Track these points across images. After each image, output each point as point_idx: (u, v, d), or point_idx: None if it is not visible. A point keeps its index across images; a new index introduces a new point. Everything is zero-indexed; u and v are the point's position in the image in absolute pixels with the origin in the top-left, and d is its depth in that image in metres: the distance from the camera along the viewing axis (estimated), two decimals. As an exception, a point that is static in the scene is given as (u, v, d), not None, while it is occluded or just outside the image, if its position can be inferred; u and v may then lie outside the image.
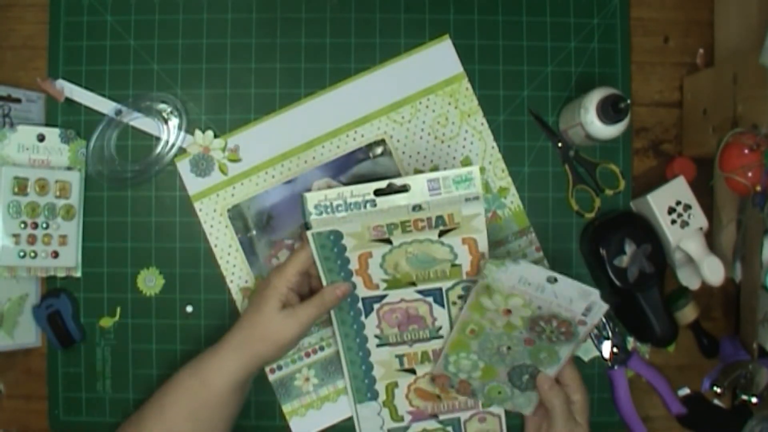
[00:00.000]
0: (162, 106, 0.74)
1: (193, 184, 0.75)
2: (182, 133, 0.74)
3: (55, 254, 0.72)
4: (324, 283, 0.66)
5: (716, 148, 0.67)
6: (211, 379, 0.64)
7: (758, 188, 0.65)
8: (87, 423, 0.75)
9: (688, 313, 0.74)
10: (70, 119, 0.75)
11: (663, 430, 0.76)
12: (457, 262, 0.65)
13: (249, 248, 0.74)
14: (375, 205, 0.61)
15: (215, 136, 0.75)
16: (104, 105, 0.74)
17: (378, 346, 0.70)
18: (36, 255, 0.71)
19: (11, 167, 0.70)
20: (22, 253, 0.71)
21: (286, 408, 0.75)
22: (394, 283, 0.66)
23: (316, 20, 0.76)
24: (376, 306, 0.67)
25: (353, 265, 0.65)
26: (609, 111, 0.67)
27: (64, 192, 0.72)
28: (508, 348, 0.66)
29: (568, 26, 0.76)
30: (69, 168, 0.73)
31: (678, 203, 0.72)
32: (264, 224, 0.74)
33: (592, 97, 0.68)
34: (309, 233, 0.63)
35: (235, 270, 0.75)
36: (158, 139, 0.74)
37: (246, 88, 0.75)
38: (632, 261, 0.71)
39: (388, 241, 0.63)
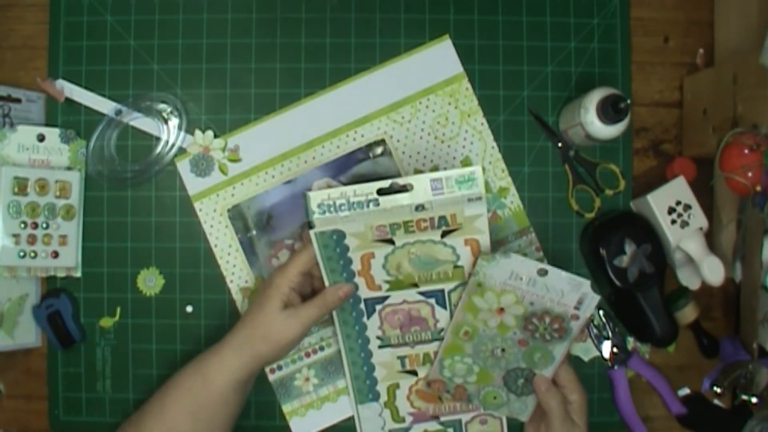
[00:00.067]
0: (162, 106, 0.74)
1: (193, 184, 0.75)
2: (182, 133, 0.74)
3: (55, 254, 0.72)
4: (326, 283, 0.66)
5: (716, 148, 0.67)
6: (213, 378, 0.64)
7: (758, 188, 0.65)
8: (87, 423, 0.75)
9: (688, 313, 0.74)
10: (70, 119, 0.75)
11: (663, 430, 0.76)
12: (459, 263, 0.65)
13: (249, 248, 0.74)
14: (378, 205, 0.61)
15: (215, 136, 0.75)
16: (104, 105, 0.74)
17: (380, 347, 0.70)
18: (36, 255, 0.71)
19: (11, 167, 0.70)
20: (22, 253, 0.71)
21: (286, 408, 0.75)
22: (396, 284, 0.66)
23: (316, 20, 0.76)
24: (378, 307, 0.67)
25: (356, 266, 0.65)
26: (609, 111, 0.67)
27: (64, 192, 0.72)
28: (502, 350, 0.66)
29: (568, 26, 0.76)
30: (69, 168, 0.73)
31: (678, 203, 0.72)
32: (264, 224, 0.74)
33: (592, 97, 0.68)
34: (312, 233, 0.62)
35: (235, 270, 0.75)
36: (158, 139, 0.74)
37: (246, 88, 0.75)
38: (632, 261, 0.71)
39: (391, 242, 0.63)
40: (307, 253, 0.64)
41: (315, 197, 0.61)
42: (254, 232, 0.74)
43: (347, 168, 0.75)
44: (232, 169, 0.75)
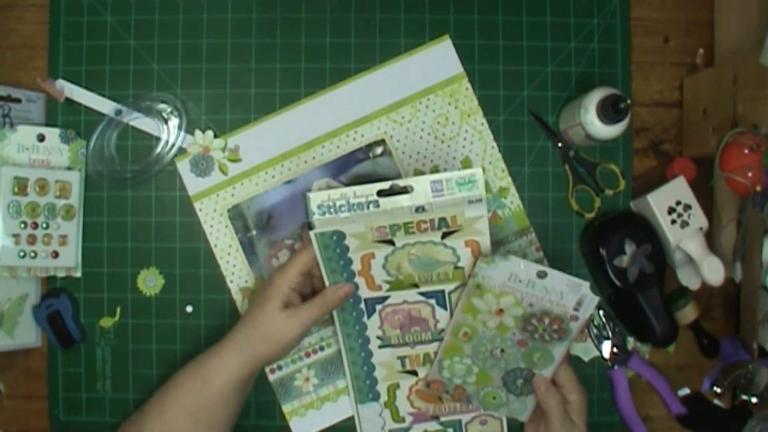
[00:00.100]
0: (162, 106, 0.74)
1: (193, 184, 0.75)
2: (182, 133, 0.74)
3: (55, 254, 0.72)
4: (326, 283, 0.66)
5: (716, 148, 0.67)
6: (213, 378, 0.64)
7: (758, 188, 0.65)
8: (87, 423, 0.75)
9: (688, 313, 0.74)
10: (70, 119, 0.75)
11: (663, 430, 0.76)
12: (459, 264, 0.65)
13: (249, 248, 0.74)
14: (378, 206, 0.61)
15: (215, 136, 0.75)
16: (104, 105, 0.74)
17: (380, 347, 0.70)
18: (36, 255, 0.71)
19: (11, 167, 0.70)
20: (22, 253, 0.71)
21: (286, 408, 0.75)
22: (396, 285, 0.66)
23: (316, 20, 0.76)
24: (378, 307, 0.67)
25: (356, 266, 0.65)
26: (609, 111, 0.67)
27: (64, 192, 0.72)
28: (502, 351, 0.66)
29: (568, 26, 0.76)
30: (69, 168, 0.73)
31: (678, 203, 0.72)
32: (264, 224, 0.74)
33: (592, 97, 0.68)
34: (312, 233, 0.62)
35: (235, 270, 0.75)
36: (158, 139, 0.74)
37: (246, 88, 0.75)
38: (632, 261, 0.71)
39: (391, 243, 0.63)
40: (306, 254, 0.64)
41: (315, 198, 0.61)
42: (254, 232, 0.74)
43: (347, 168, 0.75)
44: (232, 169, 0.75)
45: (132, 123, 0.74)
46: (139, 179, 0.75)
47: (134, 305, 0.75)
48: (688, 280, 0.75)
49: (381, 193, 0.62)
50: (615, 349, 0.74)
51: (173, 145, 0.74)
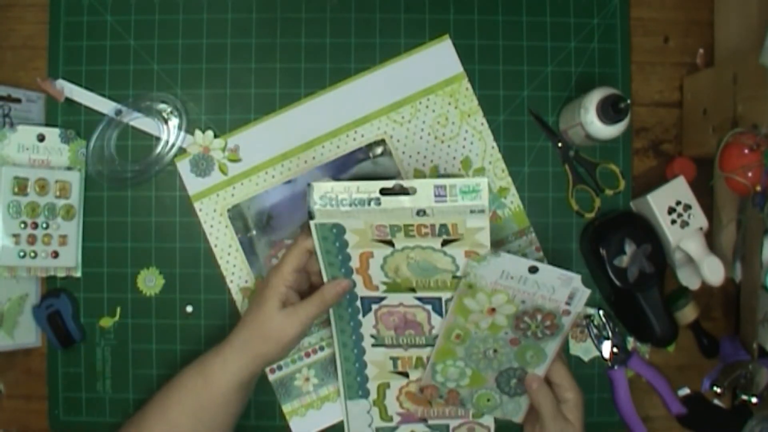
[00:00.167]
0: (162, 106, 0.74)
1: (193, 184, 0.75)
2: (182, 133, 0.74)
3: (55, 254, 0.72)
4: (324, 277, 0.65)
5: (716, 148, 0.67)
6: (215, 379, 0.64)
7: (758, 188, 0.65)
8: (87, 423, 0.75)
9: (688, 313, 0.74)
10: (70, 119, 0.75)
11: (663, 430, 0.76)
12: (458, 274, 0.64)
13: (249, 248, 0.74)
14: (380, 204, 0.61)
15: (215, 136, 0.75)
16: (104, 105, 0.74)
17: (373, 345, 0.70)
18: (36, 255, 0.71)
19: (11, 167, 0.70)
20: (22, 253, 0.71)
21: (286, 408, 0.75)
22: (393, 287, 0.66)
23: (316, 20, 0.76)
24: (374, 307, 0.67)
25: (354, 263, 0.65)
26: (609, 111, 0.67)
27: (64, 192, 0.72)
28: (494, 351, 0.66)
29: (568, 26, 0.76)
30: (69, 168, 0.73)
31: (678, 203, 0.72)
32: (264, 224, 0.74)
33: (592, 97, 0.68)
34: (312, 223, 0.62)
35: (235, 270, 0.75)
36: (158, 139, 0.75)
37: (246, 88, 0.75)
38: (632, 261, 0.71)
39: (391, 244, 0.63)
40: (298, 250, 0.64)
41: (318, 188, 0.61)
42: (254, 232, 0.74)
43: (347, 168, 0.75)
44: (232, 169, 0.75)
45: (132, 123, 0.74)
46: (139, 179, 0.75)
47: (134, 305, 0.75)
48: (688, 280, 0.75)
49: (384, 192, 0.61)
50: (615, 349, 0.74)
51: (173, 145, 0.74)
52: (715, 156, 0.67)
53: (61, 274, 0.74)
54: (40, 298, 0.74)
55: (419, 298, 0.66)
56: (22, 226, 0.70)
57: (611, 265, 0.71)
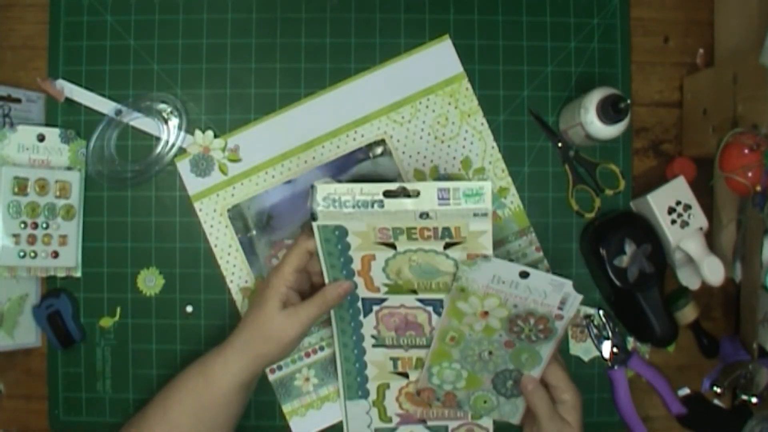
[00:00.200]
0: (162, 106, 0.74)
1: (193, 184, 0.75)
2: (182, 133, 0.74)
3: (55, 254, 0.72)
4: (326, 278, 0.65)
5: (716, 148, 0.67)
6: (216, 380, 0.64)
7: (758, 188, 0.65)
8: (87, 423, 0.75)
9: (688, 313, 0.74)
10: (70, 119, 0.75)
11: (663, 430, 0.76)
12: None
13: (249, 248, 0.74)
14: (383, 206, 0.61)
15: (215, 136, 0.75)
16: (104, 105, 0.74)
17: (374, 346, 0.70)
18: (36, 255, 0.71)
19: (11, 167, 0.70)
20: (22, 253, 0.71)
21: (286, 408, 0.75)
22: (395, 289, 0.66)
23: (316, 20, 0.76)
24: (375, 308, 0.67)
25: (356, 265, 0.65)
26: (609, 111, 0.67)
27: (64, 192, 0.72)
28: (490, 353, 0.66)
29: (568, 26, 0.76)
30: (69, 168, 0.73)
31: (678, 203, 0.72)
32: (264, 224, 0.74)
33: (592, 97, 0.68)
34: (315, 225, 0.62)
35: (235, 270, 0.75)
36: (158, 139, 0.75)
37: (246, 88, 0.75)
38: (632, 261, 0.71)
39: (393, 246, 0.63)
40: (299, 251, 0.64)
41: (322, 189, 0.61)
42: (254, 232, 0.74)
43: (347, 168, 0.75)
44: (232, 169, 0.75)
45: (132, 123, 0.74)
46: (139, 179, 0.75)
47: (134, 305, 0.75)
48: (688, 280, 0.75)
49: (387, 194, 0.61)
50: (615, 349, 0.74)
51: (173, 145, 0.74)
52: (715, 156, 0.67)
53: (61, 274, 0.74)
54: (40, 298, 0.74)
55: (420, 300, 0.66)
56: (22, 226, 0.70)
57: (611, 265, 0.71)
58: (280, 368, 0.74)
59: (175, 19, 0.75)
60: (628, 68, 0.77)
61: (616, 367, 0.74)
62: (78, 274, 0.74)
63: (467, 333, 0.65)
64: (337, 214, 0.61)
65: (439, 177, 0.75)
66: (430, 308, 0.66)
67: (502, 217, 0.76)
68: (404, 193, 0.61)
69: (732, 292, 0.77)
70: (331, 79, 0.75)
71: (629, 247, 0.71)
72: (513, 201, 0.76)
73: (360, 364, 0.71)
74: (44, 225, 0.71)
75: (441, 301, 0.66)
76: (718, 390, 0.68)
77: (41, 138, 0.72)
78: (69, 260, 0.73)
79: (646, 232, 0.72)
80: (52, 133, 0.73)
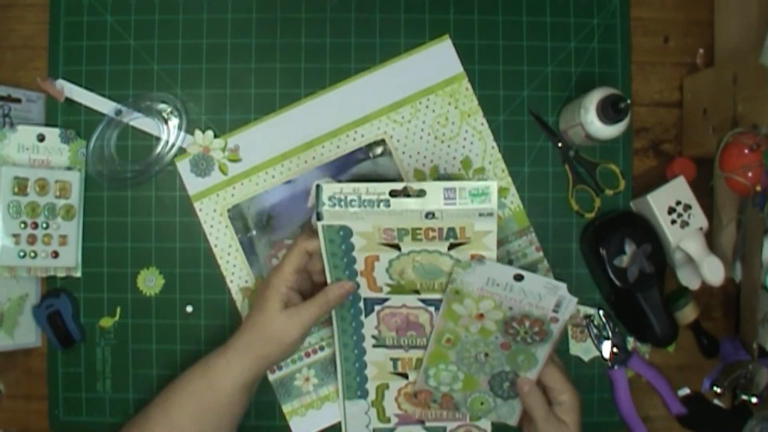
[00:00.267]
0: (162, 106, 0.74)
1: (193, 184, 0.75)
2: (182, 133, 0.74)
3: (55, 254, 0.72)
4: (328, 278, 0.65)
5: (716, 148, 0.67)
6: (218, 382, 0.64)
7: (758, 188, 0.65)
8: (87, 423, 0.75)
9: (688, 313, 0.74)
10: (70, 119, 0.75)
11: (663, 430, 0.76)
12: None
13: (249, 248, 0.74)
14: (388, 206, 0.61)
15: (215, 136, 0.75)
16: (104, 105, 0.74)
17: (374, 346, 0.70)
18: (36, 255, 0.71)
19: (11, 167, 0.70)
20: (22, 253, 0.71)
21: (286, 408, 0.75)
22: (397, 289, 0.66)
23: (316, 20, 0.76)
24: (377, 307, 0.67)
25: (359, 266, 0.65)
26: (609, 111, 0.67)
27: (64, 192, 0.72)
28: (486, 355, 0.66)
29: (568, 26, 0.76)
30: (69, 168, 0.73)
31: (678, 203, 0.72)
32: (264, 224, 0.74)
33: (592, 97, 0.68)
34: (319, 224, 0.62)
35: (235, 270, 0.75)
36: (158, 139, 0.75)
37: (246, 88, 0.75)
38: (632, 261, 0.71)
39: (397, 247, 0.63)
40: (298, 251, 0.64)
41: (327, 189, 0.61)
42: (254, 232, 0.74)
43: (347, 168, 0.75)
44: (232, 169, 0.75)
45: (132, 123, 0.74)
46: (139, 179, 0.75)
47: (134, 305, 0.75)
48: (688, 280, 0.75)
49: (393, 194, 0.61)
50: (615, 349, 0.74)
51: (173, 145, 0.74)
52: (715, 156, 0.67)
53: (61, 274, 0.74)
54: (40, 298, 0.74)
55: (423, 300, 0.66)
56: (22, 226, 0.70)
57: (611, 265, 0.71)
58: (280, 368, 0.74)
59: (175, 19, 0.75)
60: (628, 68, 0.77)
61: (616, 367, 0.74)
62: (78, 274, 0.74)
63: (463, 335, 0.65)
64: (343, 213, 0.61)
65: (439, 177, 0.75)
66: (432, 308, 0.66)
67: (502, 217, 0.76)
68: (410, 193, 0.60)
69: (732, 292, 0.77)
70: (331, 79, 0.75)
71: (629, 247, 0.71)
72: (513, 201, 0.76)
73: (360, 364, 0.71)
74: (44, 225, 0.71)
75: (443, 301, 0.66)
76: (718, 390, 0.68)
77: (41, 138, 0.72)
78: (69, 260, 0.73)
79: (646, 232, 0.72)
80: (52, 133, 0.73)
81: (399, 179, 0.74)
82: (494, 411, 0.69)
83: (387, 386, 0.71)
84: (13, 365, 0.75)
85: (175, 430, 0.64)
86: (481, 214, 0.60)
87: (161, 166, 0.74)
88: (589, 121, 0.68)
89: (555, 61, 0.76)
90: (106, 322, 0.75)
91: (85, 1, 0.75)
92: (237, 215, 0.74)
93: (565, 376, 0.65)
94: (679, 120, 0.77)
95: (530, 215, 0.76)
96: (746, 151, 0.65)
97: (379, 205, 0.60)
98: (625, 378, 0.74)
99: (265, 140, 0.75)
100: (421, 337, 0.68)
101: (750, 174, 0.65)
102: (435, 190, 0.60)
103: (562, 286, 0.60)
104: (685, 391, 0.73)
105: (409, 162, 0.75)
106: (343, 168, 0.75)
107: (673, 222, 0.71)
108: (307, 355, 0.74)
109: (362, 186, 0.60)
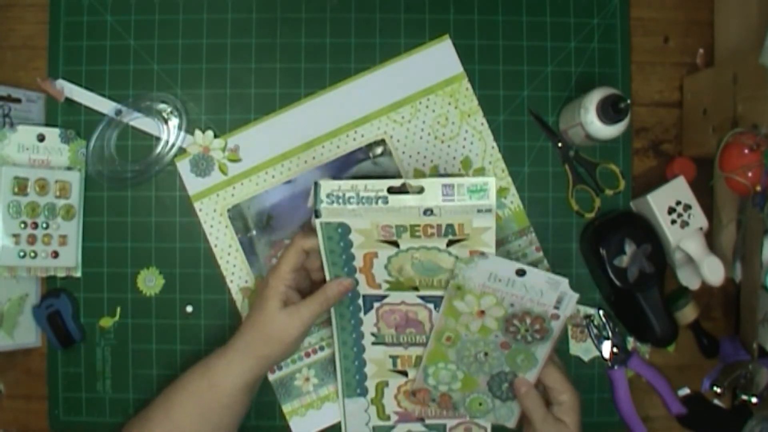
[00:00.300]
0: (162, 106, 0.74)
1: (193, 184, 0.75)
2: (182, 133, 0.74)
3: (55, 254, 0.72)
4: (327, 275, 0.65)
5: (716, 148, 0.67)
6: (219, 382, 0.64)
7: (758, 188, 0.65)
8: (87, 423, 0.75)
9: (688, 313, 0.74)
10: (70, 119, 0.75)
11: (663, 430, 0.76)
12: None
13: (249, 248, 0.74)
14: (387, 202, 0.60)
15: (215, 136, 0.75)
16: (104, 105, 0.74)
17: (373, 344, 0.69)
18: (36, 255, 0.71)
19: (11, 167, 0.70)
20: (22, 253, 0.71)
21: (286, 408, 0.75)
22: (396, 286, 0.66)
23: (316, 20, 0.76)
24: (376, 305, 0.67)
25: (358, 263, 0.65)
26: (609, 111, 0.67)
27: (64, 192, 0.72)
28: (485, 354, 0.66)
29: (568, 26, 0.76)
30: (69, 168, 0.73)
31: (678, 203, 0.72)
32: (264, 224, 0.74)
33: (592, 97, 0.68)
34: (318, 222, 0.62)
35: (235, 270, 0.75)
36: (158, 139, 0.75)
37: (246, 88, 0.75)
38: (632, 261, 0.71)
39: (396, 244, 0.63)
40: (295, 250, 0.64)
41: (326, 186, 0.61)
42: (254, 232, 0.74)
43: (347, 168, 0.75)
44: (232, 169, 0.75)
45: (132, 123, 0.74)
46: (139, 179, 0.75)
47: (134, 305, 0.75)
48: (688, 280, 0.75)
49: (391, 191, 0.61)
50: (615, 349, 0.74)
51: (173, 145, 0.74)
52: (715, 156, 0.67)
53: (61, 274, 0.74)
54: (40, 298, 0.74)
55: (422, 297, 0.66)
56: (22, 226, 0.70)
57: (611, 265, 0.71)
58: (280, 368, 0.74)
59: (175, 19, 0.75)
60: (628, 68, 0.77)
61: (616, 367, 0.74)
62: (78, 274, 0.74)
63: (463, 333, 0.65)
64: (341, 211, 0.61)
65: (440, 176, 0.75)
66: (431, 305, 0.66)
67: (502, 217, 0.76)
68: (408, 190, 0.60)
69: (732, 292, 0.77)
70: (331, 79, 0.75)
71: (629, 247, 0.71)
72: (513, 201, 0.76)
73: (359, 362, 0.71)
74: (44, 225, 0.71)
75: (442, 298, 0.66)
76: (718, 390, 0.68)
77: (41, 138, 0.72)
78: (69, 260, 0.73)
79: (646, 232, 0.72)
80: (52, 133, 0.73)
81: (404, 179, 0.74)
82: (493, 412, 0.69)
83: (386, 384, 0.71)
84: (13, 365, 0.75)
85: (176, 430, 0.64)
86: (479, 211, 0.60)
87: (161, 166, 0.74)
88: (589, 121, 0.68)
89: (555, 61, 0.76)
90: (106, 322, 0.75)
91: (85, 1, 0.75)
92: (237, 215, 0.74)
93: (565, 376, 0.65)
94: (679, 120, 0.77)
95: (530, 215, 0.76)
96: (746, 151, 0.65)
97: (377, 202, 0.60)
98: (625, 378, 0.74)
99: (265, 140, 0.75)
100: (420, 335, 0.68)
101: (750, 174, 0.65)
102: (433, 186, 0.60)
103: (564, 281, 0.61)
104: (685, 391, 0.73)
105: (409, 162, 0.75)
106: (343, 168, 0.75)
107: (673, 222, 0.71)
108: (307, 355, 0.74)
109: (360, 183, 0.60)
